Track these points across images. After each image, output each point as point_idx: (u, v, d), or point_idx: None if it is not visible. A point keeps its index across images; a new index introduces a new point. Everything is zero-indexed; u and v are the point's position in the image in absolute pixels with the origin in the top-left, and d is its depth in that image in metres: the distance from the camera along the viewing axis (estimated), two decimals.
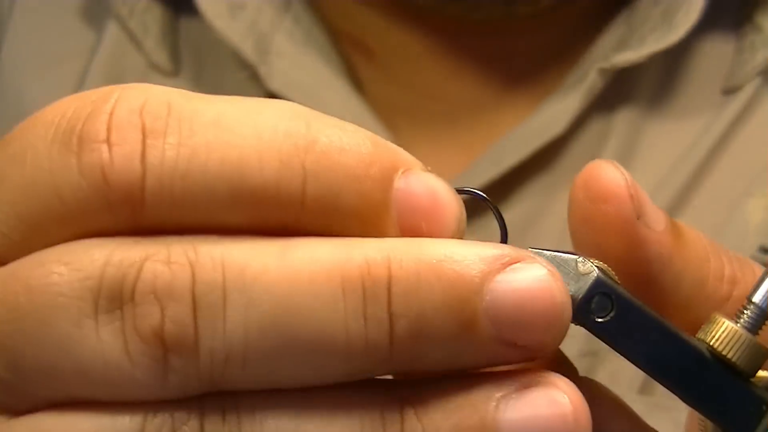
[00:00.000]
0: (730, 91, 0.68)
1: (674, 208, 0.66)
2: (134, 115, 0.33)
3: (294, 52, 0.68)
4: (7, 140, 0.34)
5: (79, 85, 0.71)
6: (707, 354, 0.35)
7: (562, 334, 0.33)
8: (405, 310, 0.32)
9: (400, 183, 0.33)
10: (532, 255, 0.33)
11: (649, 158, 0.67)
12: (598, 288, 0.35)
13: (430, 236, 0.33)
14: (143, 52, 0.71)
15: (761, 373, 0.36)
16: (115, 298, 0.32)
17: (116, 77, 0.71)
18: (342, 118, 0.67)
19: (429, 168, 0.34)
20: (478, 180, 0.66)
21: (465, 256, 0.32)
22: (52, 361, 0.32)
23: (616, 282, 0.36)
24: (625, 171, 0.37)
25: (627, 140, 0.67)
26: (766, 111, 0.67)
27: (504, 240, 0.36)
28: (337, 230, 0.33)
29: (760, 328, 0.36)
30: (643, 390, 0.63)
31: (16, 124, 0.73)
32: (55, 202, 0.33)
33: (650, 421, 0.39)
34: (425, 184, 0.34)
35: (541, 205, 0.67)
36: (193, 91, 0.69)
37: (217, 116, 0.33)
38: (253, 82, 0.69)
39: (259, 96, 0.69)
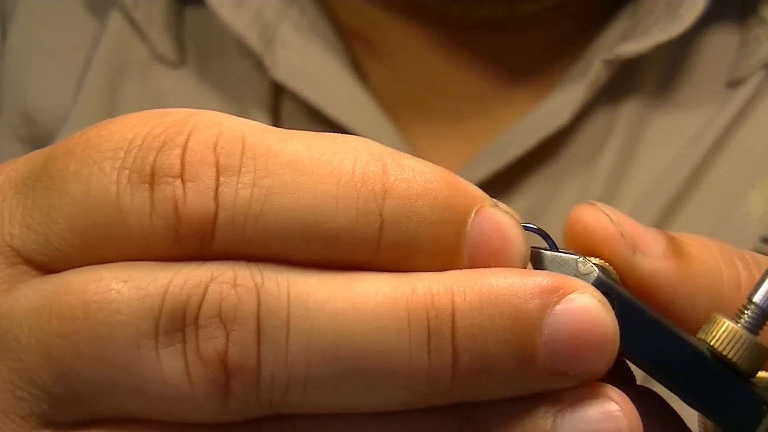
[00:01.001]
0: (734, 83, 0.67)
1: (677, 200, 0.66)
2: (209, 151, 0.32)
3: (299, 42, 0.68)
4: (66, 153, 0.34)
5: (83, 76, 0.71)
6: (708, 354, 0.35)
7: (611, 362, 0.33)
8: (469, 345, 0.32)
9: (473, 225, 0.33)
10: (583, 284, 0.33)
11: (653, 149, 0.67)
12: (599, 288, 0.35)
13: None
14: (147, 43, 0.71)
15: (761, 373, 0.36)
16: (178, 319, 0.32)
17: (119, 68, 0.71)
18: (346, 108, 0.68)
19: (497, 202, 0.35)
20: (481, 172, 0.66)
21: (524, 290, 0.33)
22: (107, 379, 0.32)
23: (617, 282, 0.36)
24: (609, 209, 0.37)
25: (631, 131, 0.67)
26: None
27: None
28: (409, 270, 0.33)
29: (761, 328, 0.36)
30: None
31: (21, 115, 0.73)
32: (117, 226, 0.33)
33: None
34: (496, 225, 0.34)
35: (547, 196, 0.67)
36: (198, 81, 0.69)
37: (293, 156, 0.33)
38: (258, 72, 0.69)
39: (264, 86, 0.69)
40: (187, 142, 0.33)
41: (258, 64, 0.68)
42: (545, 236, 0.37)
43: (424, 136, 0.69)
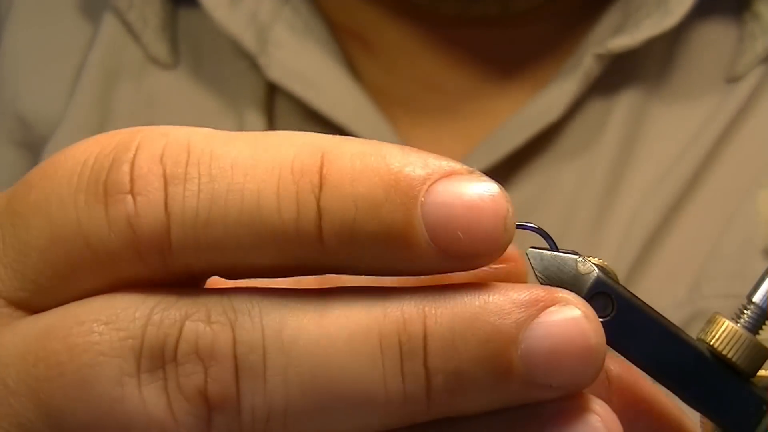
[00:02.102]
0: (733, 79, 0.67)
1: (682, 196, 0.66)
2: (155, 163, 0.32)
3: (293, 42, 0.68)
4: (26, 187, 0.34)
5: (76, 80, 0.71)
6: (707, 354, 0.35)
7: (597, 374, 0.33)
8: (442, 365, 0.32)
9: (428, 197, 0.32)
10: (567, 296, 0.33)
11: (655, 143, 0.67)
12: (598, 288, 0.35)
13: (472, 246, 0.32)
14: (141, 45, 0.71)
15: (761, 372, 0.36)
16: (157, 357, 0.32)
17: (113, 70, 0.71)
18: (341, 107, 0.68)
19: (473, 169, 0.33)
20: (476, 167, 0.66)
21: (500, 306, 0.32)
22: (94, 419, 0.32)
23: (617, 281, 0.36)
24: None
25: (630, 124, 0.67)
26: None
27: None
28: (368, 259, 0.33)
29: (761, 328, 0.36)
30: None
31: (16, 119, 0.73)
32: (85, 252, 0.33)
33: None
34: (457, 194, 0.32)
35: (542, 188, 0.68)
36: (192, 83, 0.69)
37: (236, 158, 0.32)
38: (253, 72, 0.69)
39: (259, 86, 0.69)
40: (134, 157, 0.33)
41: (252, 65, 0.68)
42: (545, 235, 0.36)
43: (419, 133, 0.69)
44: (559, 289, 0.33)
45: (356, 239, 0.32)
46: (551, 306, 0.32)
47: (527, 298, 0.32)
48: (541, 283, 0.35)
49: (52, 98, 0.72)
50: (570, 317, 0.32)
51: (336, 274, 0.33)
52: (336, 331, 0.32)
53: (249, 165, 0.32)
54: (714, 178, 0.66)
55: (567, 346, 0.32)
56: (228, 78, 0.70)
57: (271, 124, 0.68)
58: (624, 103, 0.68)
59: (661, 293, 0.64)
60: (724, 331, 0.35)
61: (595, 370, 0.33)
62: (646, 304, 0.36)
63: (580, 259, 0.36)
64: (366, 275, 0.33)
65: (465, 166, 0.33)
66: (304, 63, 0.68)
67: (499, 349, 0.32)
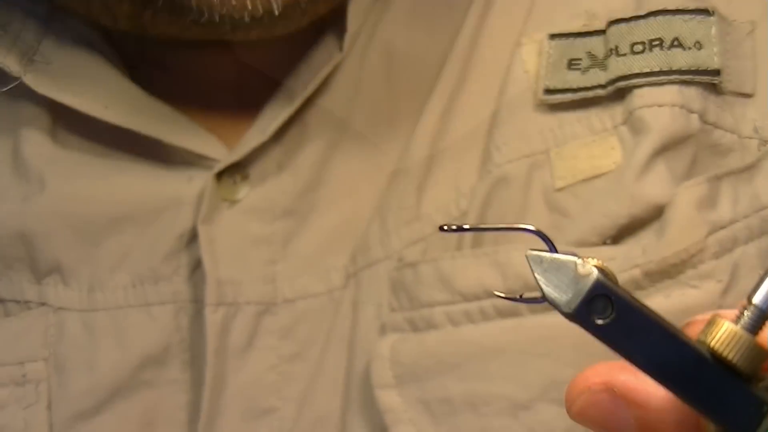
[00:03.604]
0: None
1: (460, 79, 0.65)
2: None
3: (61, 55, 0.66)
4: None
5: None
6: (707, 355, 0.35)
7: None
8: None
9: None
10: None
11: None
12: (598, 290, 0.35)
13: None
14: None
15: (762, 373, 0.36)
16: None
17: None
18: (116, 107, 0.65)
19: None
20: (273, 125, 0.65)
21: None
22: None
23: (616, 283, 0.36)
24: None
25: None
26: None
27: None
28: None
29: (760, 329, 0.35)
30: None
31: None
32: None
33: None
34: None
35: (338, 120, 0.67)
36: None
37: None
38: (21, 93, 0.65)
39: (36, 106, 0.67)
40: None
41: (19, 86, 0.65)
42: (544, 238, 0.37)
43: (213, 102, 0.68)
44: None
45: None
46: None
47: None
48: (540, 286, 0.35)
49: None
50: None
51: None
52: None
53: None
54: (482, 49, 0.65)
55: None
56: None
57: (56, 139, 0.67)
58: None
59: (459, 174, 0.63)
60: (724, 332, 0.35)
61: None
62: (645, 305, 0.36)
63: (580, 261, 0.36)
64: None
65: None
66: (76, 71, 0.66)
67: None
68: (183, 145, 0.65)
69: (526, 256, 0.36)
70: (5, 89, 0.65)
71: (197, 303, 0.64)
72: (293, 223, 0.66)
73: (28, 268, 0.65)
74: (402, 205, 0.64)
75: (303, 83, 0.66)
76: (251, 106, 0.67)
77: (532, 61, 0.63)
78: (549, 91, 0.62)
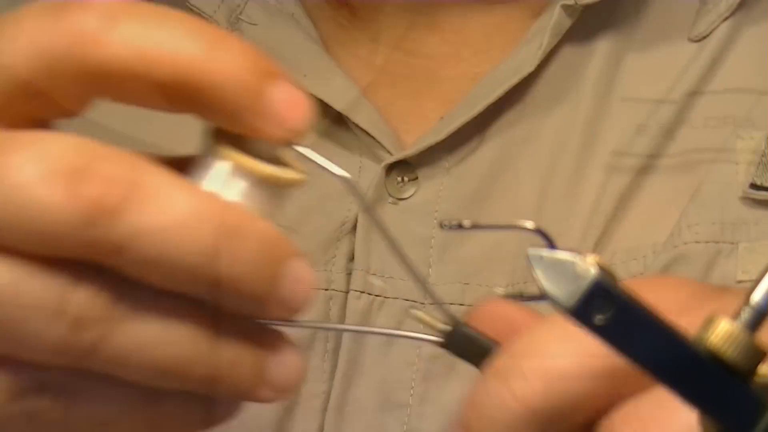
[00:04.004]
0: (697, 39, 0.68)
1: (658, 147, 0.66)
2: None
3: (265, 20, 0.69)
4: None
5: None
6: (706, 354, 0.35)
7: None
8: None
9: None
10: None
11: (630, 94, 0.68)
12: (597, 288, 0.35)
13: None
14: None
15: (760, 372, 0.36)
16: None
17: None
18: (313, 78, 0.67)
19: None
20: (451, 126, 0.66)
21: None
22: None
23: (616, 281, 0.36)
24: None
25: (606, 74, 0.68)
26: (738, 55, 0.68)
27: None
28: None
29: (759, 328, 0.36)
30: None
31: None
32: None
33: None
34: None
35: (521, 139, 0.67)
36: None
37: None
38: None
39: None
40: None
41: None
42: (544, 235, 0.37)
43: (400, 99, 0.69)
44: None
45: None
46: None
47: None
48: (541, 285, 0.35)
49: None
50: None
51: None
52: None
53: None
54: (690, 128, 0.66)
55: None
56: None
57: None
58: (598, 53, 0.68)
59: (641, 240, 0.64)
60: (722, 331, 0.35)
61: None
62: (645, 303, 0.36)
63: (579, 258, 0.36)
64: None
65: None
66: (275, 38, 0.68)
67: None
68: (369, 129, 0.66)
69: (527, 255, 0.36)
70: None
71: (348, 294, 0.64)
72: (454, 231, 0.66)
73: None
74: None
75: (492, 87, 0.66)
76: (428, 100, 0.68)
77: (744, 155, 0.64)
78: (755, 187, 0.62)
